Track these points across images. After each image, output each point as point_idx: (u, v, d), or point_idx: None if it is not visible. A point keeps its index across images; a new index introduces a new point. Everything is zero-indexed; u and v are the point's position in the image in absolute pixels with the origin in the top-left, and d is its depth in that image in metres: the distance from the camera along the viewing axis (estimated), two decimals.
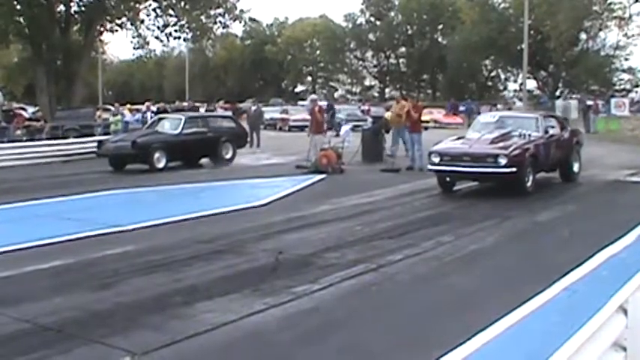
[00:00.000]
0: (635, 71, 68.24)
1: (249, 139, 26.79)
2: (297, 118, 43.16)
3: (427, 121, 39.11)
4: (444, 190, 15.74)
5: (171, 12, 40.14)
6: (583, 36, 66.53)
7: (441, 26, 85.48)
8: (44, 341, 6.18)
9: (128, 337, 6.23)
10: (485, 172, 14.77)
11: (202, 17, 40.58)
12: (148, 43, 42.54)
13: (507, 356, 5.18)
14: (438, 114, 51.89)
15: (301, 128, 33.64)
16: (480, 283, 8.08)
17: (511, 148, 14.74)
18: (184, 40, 44.93)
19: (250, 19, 65.39)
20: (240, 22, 46.04)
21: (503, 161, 14.38)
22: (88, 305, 7.21)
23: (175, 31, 40.81)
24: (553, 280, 6.97)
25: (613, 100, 51.87)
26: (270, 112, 47.80)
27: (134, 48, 43.09)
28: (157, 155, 21.41)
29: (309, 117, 24.20)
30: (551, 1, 59.52)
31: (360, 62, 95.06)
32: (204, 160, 22.96)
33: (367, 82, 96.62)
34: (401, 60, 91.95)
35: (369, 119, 33.88)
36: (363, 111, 49.96)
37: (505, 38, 67.27)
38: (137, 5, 39.68)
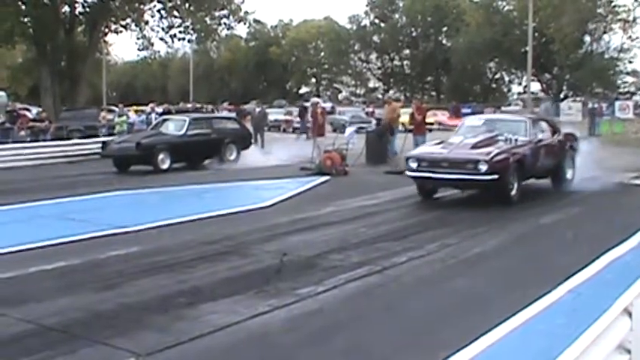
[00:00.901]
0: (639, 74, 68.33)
1: (253, 140, 26.80)
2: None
3: (431, 123, 39.21)
4: (424, 197, 14.87)
5: (175, 13, 40.30)
6: (587, 38, 66.50)
7: (445, 28, 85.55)
8: (48, 342, 6.19)
9: (132, 338, 6.24)
10: (465, 179, 13.72)
11: (207, 19, 40.74)
12: (152, 45, 42.76)
13: (512, 358, 5.19)
14: (442, 116, 51.98)
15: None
16: (485, 285, 8.08)
17: (493, 154, 13.64)
18: (189, 41, 45.20)
19: (255, 20, 65.35)
20: (245, 24, 46.23)
21: (483, 167, 13.35)
22: (92, 306, 7.22)
23: (180, 32, 41.02)
24: (558, 282, 6.96)
25: (617, 103, 51.91)
26: (274, 114, 47.79)
27: (138, 49, 43.35)
28: (161, 156, 21.44)
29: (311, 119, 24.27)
30: (556, 3, 59.51)
31: (365, 64, 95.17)
32: (208, 162, 22.96)
33: (371, 84, 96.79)
34: (405, 62, 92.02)
35: (374, 121, 33.90)
36: (367, 113, 50.00)
37: (509, 40, 67.34)
38: (142, 6, 39.83)
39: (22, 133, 30.44)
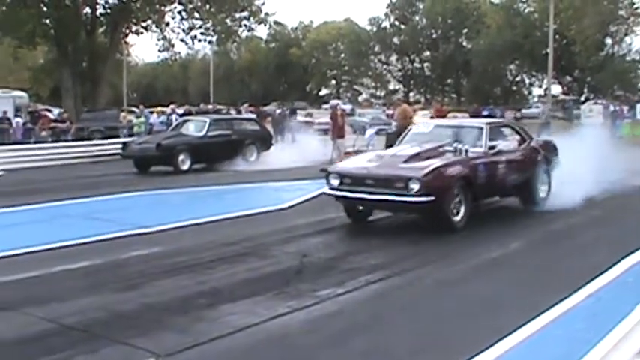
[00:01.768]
0: None
1: (273, 141, 26.84)
2: (322, 122, 43.12)
3: None
4: (354, 221, 12.08)
5: (196, 15, 40.44)
6: (608, 41, 66.25)
7: (465, 30, 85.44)
8: (70, 341, 6.24)
9: (152, 338, 6.28)
10: (393, 201, 10.85)
11: (227, 20, 40.84)
12: (173, 46, 42.90)
13: None
14: (463, 118, 51.76)
15: (325, 132, 33.62)
16: (504, 288, 8.04)
17: (427, 170, 10.77)
18: (209, 42, 45.22)
19: (275, 22, 65.45)
20: (265, 25, 46.30)
21: (415, 187, 10.53)
22: (113, 306, 7.27)
23: (201, 34, 41.11)
24: (577, 286, 6.94)
25: (638, 106, 51.48)
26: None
27: (159, 50, 43.50)
28: (181, 157, 21.54)
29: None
30: (577, 5, 59.27)
31: (385, 66, 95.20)
32: (228, 163, 22.99)
33: (391, 86, 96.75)
34: (425, 64, 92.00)
35: (394, 123, 33.78)
36: (387, 115, 49.92)
37: (530, 43, 67.15)
38: (162, 8, 40.01)
39: (44, 133, 30.70)
